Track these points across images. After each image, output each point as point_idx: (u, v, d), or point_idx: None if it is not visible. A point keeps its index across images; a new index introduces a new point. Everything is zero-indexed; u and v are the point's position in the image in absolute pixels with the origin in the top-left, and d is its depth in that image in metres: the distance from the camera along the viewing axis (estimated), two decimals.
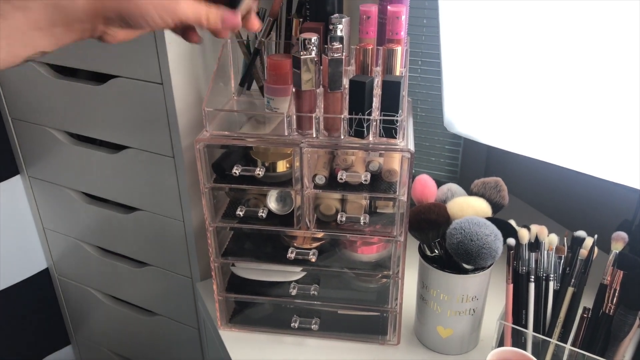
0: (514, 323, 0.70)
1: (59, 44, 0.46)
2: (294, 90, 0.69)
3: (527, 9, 0.73)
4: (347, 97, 0.68)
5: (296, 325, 0.81)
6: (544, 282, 0.68)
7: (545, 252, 0.68)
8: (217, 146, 0.74)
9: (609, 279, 0.65)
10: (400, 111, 0.66)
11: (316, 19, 0.77)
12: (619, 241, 0.66)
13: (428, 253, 0.74)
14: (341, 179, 0.71)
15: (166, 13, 0.47)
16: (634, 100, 0.67)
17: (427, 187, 0.77)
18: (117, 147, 0.98)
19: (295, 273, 0.81)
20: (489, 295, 0.75)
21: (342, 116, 0.69)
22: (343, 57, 0.67)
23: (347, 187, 0.72)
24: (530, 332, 0.69)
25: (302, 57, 0.66)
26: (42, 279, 1.28)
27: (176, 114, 0.85)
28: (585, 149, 0.76)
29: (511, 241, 0.69)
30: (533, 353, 0.67)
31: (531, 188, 1.09)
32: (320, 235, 0.79)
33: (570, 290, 0.67)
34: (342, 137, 0.69)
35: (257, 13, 0.81)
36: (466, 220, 0.68)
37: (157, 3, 0.47)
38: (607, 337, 0.65)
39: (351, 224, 0.75)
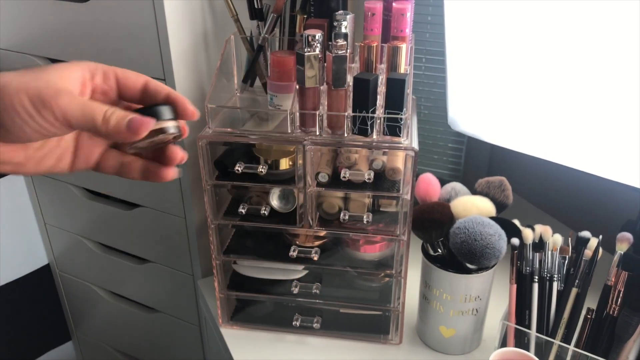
0: (517, 323, 0.69)
1: None
2: (297, 87, 0.69)
3: (532, 8, 0.73)
4: (351, 94, 0.67)
5: (298, 323, 0.81)
6: (547, 283, 0.68)
7: (550, 252, 0.68)
8: (219, 143, 0.74)
9: (613, 279, 0.64)
10: (404, 109, 0.66)
11: (320, 15, 0.77)
12: (624, 242, 0.65)
13: (431, 252, 0.74)
14: (344, 177, 0.71)
15: (39, 107, 0.37)
16: (639, 100, 0.66)
17: (430, 185, 0.76)
18: None
19: (297, 271, 0.80)
20: (492, 295, 0.75)
21: (346, 114, 0.68)
22: (347, 54, 0.66)
23: (350, 185, 0.72)
24: (533, 332, 0.68)
25: (305, 53, 0.66)
26: (43, 275, 1.28)
27: None
28: (589, 148, 0.75)
29: (515, 241, 0.68)
30: (536, 354, 0.67)
31: (535, 188, 1.08)
32: (322, 233, 0.78)
33: (574, 291, 0.67)
34: (346, 135, 0.69)
35: (261, 9, 0.81)
36: (470, 219, 0.68)
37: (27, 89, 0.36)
38: (610, 338, 0.64)
39: (354, 223, 0.74)
